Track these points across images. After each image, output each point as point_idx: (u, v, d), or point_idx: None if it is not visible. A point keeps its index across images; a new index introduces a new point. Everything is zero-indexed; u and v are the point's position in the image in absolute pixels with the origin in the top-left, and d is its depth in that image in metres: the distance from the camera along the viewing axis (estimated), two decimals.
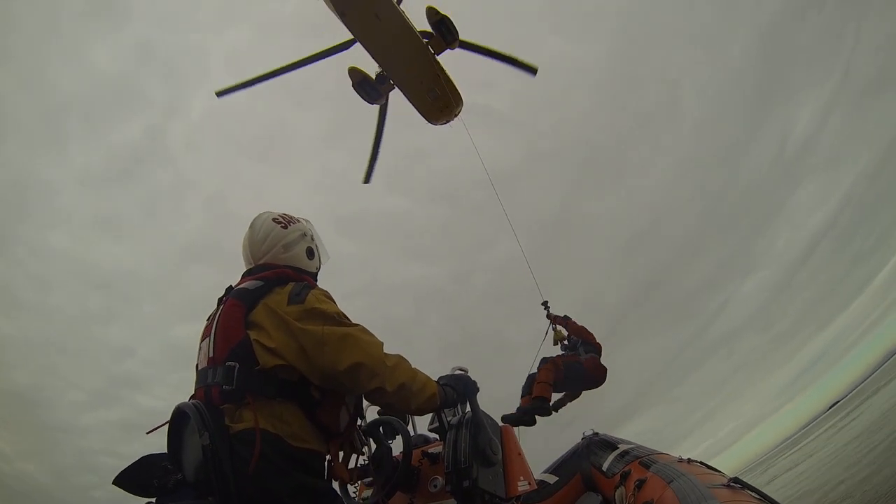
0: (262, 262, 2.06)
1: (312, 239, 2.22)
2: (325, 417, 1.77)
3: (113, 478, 1.59)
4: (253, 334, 1.73)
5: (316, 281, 2.18)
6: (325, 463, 1.82)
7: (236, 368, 1.67)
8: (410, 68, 8.57)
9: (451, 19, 8.36)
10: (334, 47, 8.69)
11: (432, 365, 2.06)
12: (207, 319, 1.91)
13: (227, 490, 1.49)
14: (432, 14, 8.30)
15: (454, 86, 9.07)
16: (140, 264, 31.35)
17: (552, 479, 3.19)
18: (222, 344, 1.74)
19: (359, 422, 2.01)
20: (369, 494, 2.31)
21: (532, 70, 9.36)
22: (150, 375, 29.15)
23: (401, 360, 1.85)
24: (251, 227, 2.13)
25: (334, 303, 1.89)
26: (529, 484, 2.09)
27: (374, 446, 2.22)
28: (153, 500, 1.58)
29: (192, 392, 1.80)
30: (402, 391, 1.80)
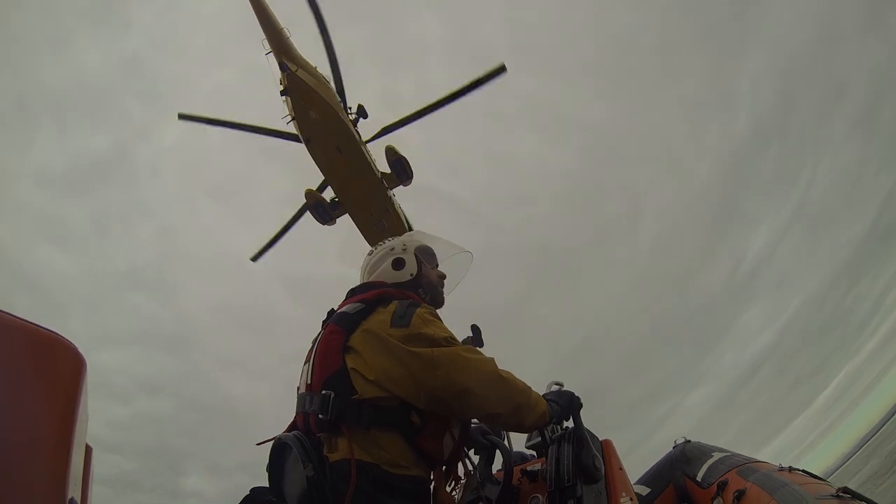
0: (366, 280, 2.16)
1: (404, 249, 2.17)
2: (428, 444, 1.69)
3: None
4: (350, 362, 1.69)
5: (419, 288, 2.13)
6: (430, 489, 1.75)
7: (331, 398, 1.63)
8: (364, 200, 9.03)
9: (408, 160, 8.90)
10: (287, 134, 9.14)
11: None
12: (312, 343, 1.89)
13: None
14: (391, 153, 8.80)
15: (402, 220, 9.51)
16: (77, 278, 29.03)
17: (644, 490, 3.08)
18: (319, 371, 1.72)
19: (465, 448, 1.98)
20: None
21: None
22: None
23: (513, 378, 1.77)
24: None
25: (440, 320, 1.82)
26: (631, 499, 2.03)
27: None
28: None
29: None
30: (517, 412, 1.74)
